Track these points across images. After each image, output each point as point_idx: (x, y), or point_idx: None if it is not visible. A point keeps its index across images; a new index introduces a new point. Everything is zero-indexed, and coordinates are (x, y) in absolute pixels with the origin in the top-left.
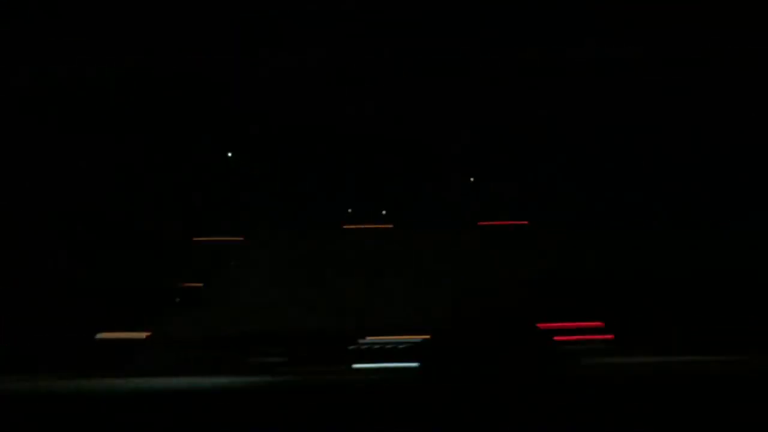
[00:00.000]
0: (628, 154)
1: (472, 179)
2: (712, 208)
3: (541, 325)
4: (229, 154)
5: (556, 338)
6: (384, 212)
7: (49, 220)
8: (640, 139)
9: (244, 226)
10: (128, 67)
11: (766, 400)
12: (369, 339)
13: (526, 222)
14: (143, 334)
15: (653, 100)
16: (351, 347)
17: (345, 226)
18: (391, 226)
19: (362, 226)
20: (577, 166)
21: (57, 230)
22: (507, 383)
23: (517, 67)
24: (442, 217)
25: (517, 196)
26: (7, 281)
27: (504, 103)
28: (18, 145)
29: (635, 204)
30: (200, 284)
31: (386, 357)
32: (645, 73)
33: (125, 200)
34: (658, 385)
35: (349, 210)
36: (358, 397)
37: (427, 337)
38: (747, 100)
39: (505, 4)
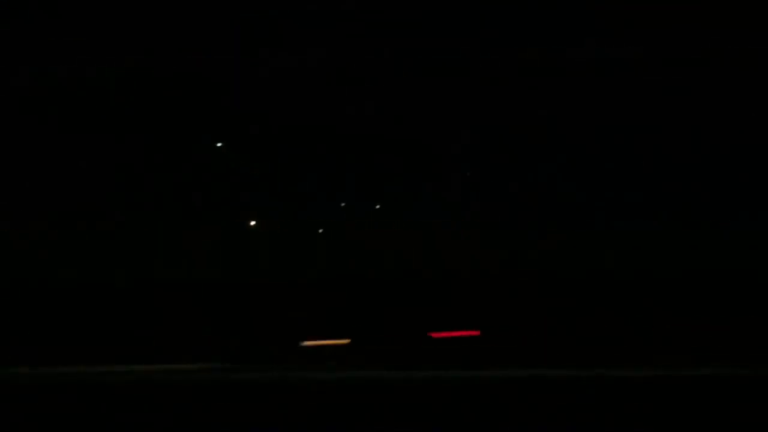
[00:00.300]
0: (628, 154)
1: (468, 173)
2: (711, 208)
3: None
4: (219, 144)
5: None
6: (378, 206)
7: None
8: (640, 139)
9: None
10: (128, 67)
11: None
12: None
13: None
14: None
15: (653, 100)
16: None
17: None
18: None
19: None
20: (577, 166)
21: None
22: None
23: (517, 67)
24: (442, 216)
25: (516, 194)
26: None
27: (504, 103)
28: (18, 144)
29: (635, 203)
30: None
31: None
32: (645, 73)
33: None
34: None
35: (342, 204)
36: None
37: None
38: (747, 100)
39: (505, 4)
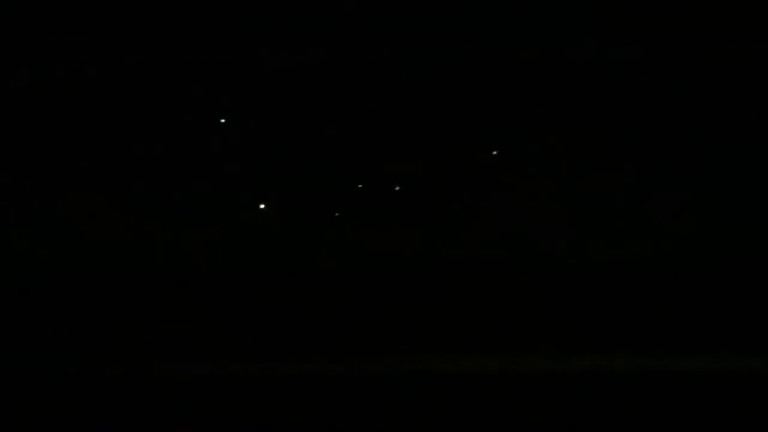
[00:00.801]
0: (628, 155)
1: (495, 152)
2: (711, 208)
3: None
4: (222, 121)
5: None
6: (397, 188)
7: None
8: (640, 140)
9: None
10: (128, 67)
11: None
12: None
13: None
14: None
15: (653, 100)
16: None
17: None
18: None
19: None
20: (577, 167)
21: None
22: None
23: (517, 67)
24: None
25: (516, 195)
26: None
27: (504, 103)
28: (18, 144)
29: (635, 203)
30: None
31: None
32: (645, 73)
33: None
34: None
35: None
36: None
37: None
38: (747, 100)
39: (505, 4)
